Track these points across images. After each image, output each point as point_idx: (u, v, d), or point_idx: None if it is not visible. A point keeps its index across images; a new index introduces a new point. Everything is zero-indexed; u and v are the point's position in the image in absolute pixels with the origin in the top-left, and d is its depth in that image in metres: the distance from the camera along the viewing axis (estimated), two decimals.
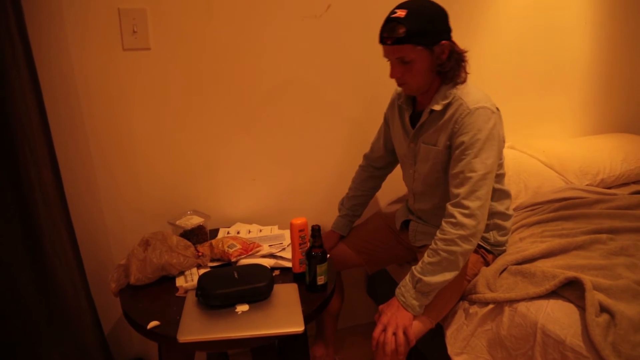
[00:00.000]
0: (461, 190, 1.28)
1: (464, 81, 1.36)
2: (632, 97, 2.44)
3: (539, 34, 2.11)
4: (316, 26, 1.74)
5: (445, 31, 1.31)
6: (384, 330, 1.29)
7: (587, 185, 1.98)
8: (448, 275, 1.28)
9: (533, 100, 2.22)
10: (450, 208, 1.30)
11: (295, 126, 1.84)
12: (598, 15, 2.21)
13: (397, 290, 1.34)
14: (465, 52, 1.34)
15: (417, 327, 1.32)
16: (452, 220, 1.27)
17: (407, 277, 1.33)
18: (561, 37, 2.17)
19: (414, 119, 1.47)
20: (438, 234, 1.30)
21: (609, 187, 2.04)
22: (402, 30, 1.24)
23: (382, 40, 1.30)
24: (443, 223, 1.30)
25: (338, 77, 1.82)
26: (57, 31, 1.47)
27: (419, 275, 1.29)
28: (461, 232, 1.26)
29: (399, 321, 1.28)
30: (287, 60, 1.75)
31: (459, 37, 1.97)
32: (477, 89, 1.37)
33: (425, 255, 1.30)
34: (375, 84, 1.82)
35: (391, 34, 1.27)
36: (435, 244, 1.29)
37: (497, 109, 1.35)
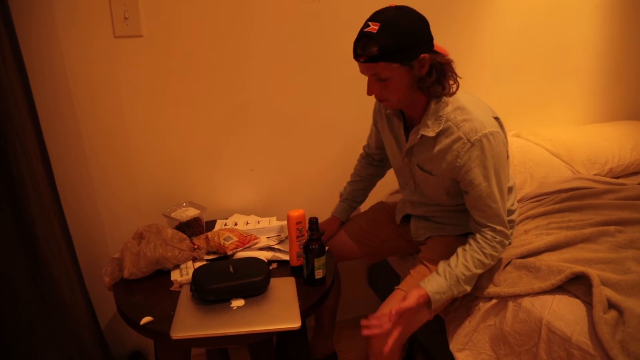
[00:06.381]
0: (484, 219, 1.29)
1: (453, 93, 1.26)
2: None
3: (545, 17, 2.04)
4: (314, 11, 1.68)
5: (425, 43, 1.19)
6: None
7: (595, 174, 1.93)
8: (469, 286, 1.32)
9: (539, 86, 2.16)
10: (480, 230, 1.31)
11: (295, 116, 1.79)
12: None
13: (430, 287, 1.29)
14: (450, 61, 1.24)
15: (411, 324, 1.28)
16: (487, 236, 1.30)
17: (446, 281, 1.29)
18: (569, 21, 2.10)
19: (404, 131, 1.41)
20: (477, 249, 1.30)
21: (617, 177, 1.99)
22: (374, 48, 1.13)
23: (356, 56, 1.19)
24: (479, 239, 1.30)
25: (338, 66, 1.77)
26: (45, 18, 1.42)
27: (464, 286, 1.29)
28: (501, 238, 1.30)
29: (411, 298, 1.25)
30: (286, 47, 1.70)
31: (462, 23, 1.91)
32: (472, 104, 1.28)
33: (472, 263, 1.29)
34: None
35: (364, 51, 1.16)
36: (484, 255, 1.29)
37: (497, 119, 1.30)
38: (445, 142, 1.26)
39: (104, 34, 1.49)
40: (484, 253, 1.29)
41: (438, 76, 1.21)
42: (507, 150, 1.32)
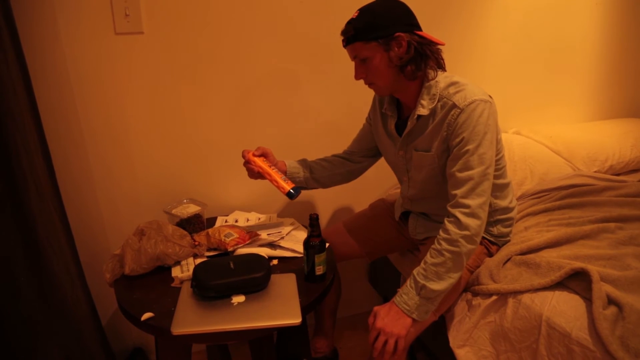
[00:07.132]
0: (460, 190, 1.23)
1: (434, 76, 1.28)
2: None
3: (546, 14, 2.04)
4: (317, 6, 1.69)
5: (401, 24, 1.24)
6: (378, 336, 1.24)
7: (595, 172, 1.93)
8: (453, 277, 1.23)
9: (540, 83, 2.16)
10: (450, 209, 1.24)
11: (295, 111, 1.79)
12: None
13: (398, 298, 1.25)
14: (433, 42, 1.26)
15: (417, 326, 1.28)
16: (454, 220, 1.22)
17: (409, 283, 1.26)
18: (570, 18, 2.10)
19: (401, 124, 1.42)
20: (441, 232, 1.24)
21: (617, 174, 1.99)
22: (351, 30, 1.26)
23: (342, 43, 1.31)
24: (446, 222, 1.24)
25: (341, 63, 1.76)
26: (46, 14, 1.42)
27: (422, 282, 1.22)
28: (465, 232, 1.20)
29: (394, 330, 1.22)
30: (285, 43, 1.70)
31: (464, 21, 1.91)
32: (466, 80, 1.29)
33: (428, 255, 1.25)
34: None
35: (344, 34, 1.29)
36: (439, 243, 1.23)
37: (490, 97, 1.29)
38: (440, 114, 1.29)
39: (105, 30, 1.49)
40: (442, 240, 1.23)
41: (417, 55, 1.24)
42: (497, 127, 1.30)
